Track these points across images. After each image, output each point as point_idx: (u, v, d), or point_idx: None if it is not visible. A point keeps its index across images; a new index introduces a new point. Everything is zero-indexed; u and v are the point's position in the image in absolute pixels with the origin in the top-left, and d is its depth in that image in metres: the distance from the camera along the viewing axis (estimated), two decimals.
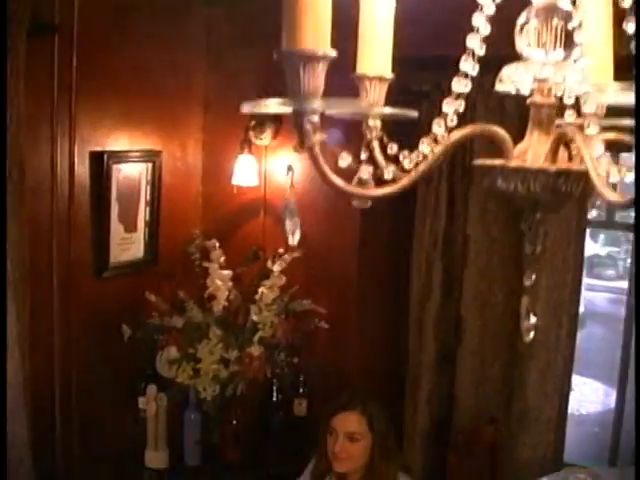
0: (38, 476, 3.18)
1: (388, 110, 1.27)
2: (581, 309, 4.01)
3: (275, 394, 4.00)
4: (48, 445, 3.46)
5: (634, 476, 3.21)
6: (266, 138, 4.03)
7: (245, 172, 3.97)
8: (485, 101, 3.67)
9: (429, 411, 4.03)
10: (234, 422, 3.79)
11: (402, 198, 3.84)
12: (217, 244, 3.79)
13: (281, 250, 3.83)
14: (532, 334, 1.32)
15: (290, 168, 3.91)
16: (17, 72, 3.13)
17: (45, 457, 3.32)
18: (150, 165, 3.91)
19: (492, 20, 1.21)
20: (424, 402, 4.01)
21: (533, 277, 1.33)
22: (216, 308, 3.75)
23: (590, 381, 8.59)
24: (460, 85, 1.26)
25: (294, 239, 3.78)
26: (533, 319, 1.31)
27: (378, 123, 1.28)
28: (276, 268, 3.78)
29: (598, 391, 8.54)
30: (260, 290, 3.78)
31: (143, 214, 3.91)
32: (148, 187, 3.91)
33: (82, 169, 3.61)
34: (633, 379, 3.65)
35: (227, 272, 3.77)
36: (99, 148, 3.67)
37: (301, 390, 4.02)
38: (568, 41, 1.15)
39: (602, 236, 13.27)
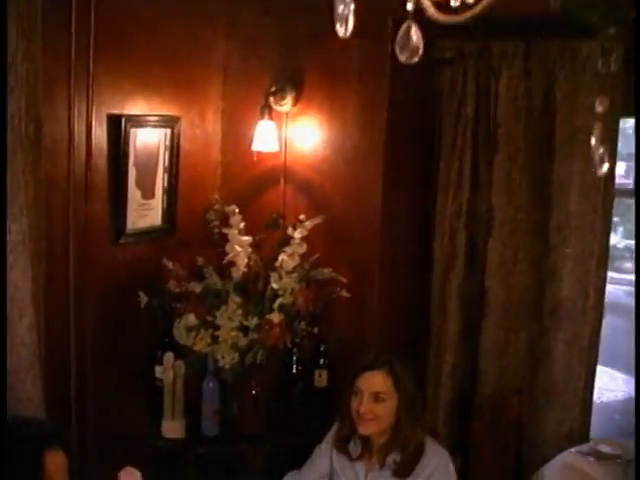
0: None
1: None
2: None
3: (295, 365, 3.91)
4: (63, 407, 3.40)
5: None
6: (287, 104, 3.96)
7: (265, 138, 3.89)
8: None
9: (452, 383, 3.95)
10: (253, 392, 3.70)
11: (424, 167, 3.77)
12: (237, 210, 3.71)
13: (302, 217, 3.74)
14: (605, 167, 1.26)
15: None
16: (34, 30, 3.07)
17: (59, 419, 3.24)
18: (168, 131, 3.84)
19: None
20: (448, 374, 3.93)
21: (606, 103, 1.26)
22: (235, 275, 3.67)
23: (610, 370, 8.48)
24: None
25: None
26: (601, 149, 1.24)
27: None
28: (297, 235, 3.70)
29: (617, 380, 8.43)
30: (280, 257, 3.70)
31: (161, 181, 3.84)
32: (166, 153, 3.84)
33: (99, 132, 3.54)
34: None
35: (246, 238, 3.69)
36: (117, 111, 3.60)
37: (321, 361, 3.93)
38: None
39: (621, 229, 13.11)
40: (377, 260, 3.91)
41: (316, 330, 3.72)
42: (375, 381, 2.80)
